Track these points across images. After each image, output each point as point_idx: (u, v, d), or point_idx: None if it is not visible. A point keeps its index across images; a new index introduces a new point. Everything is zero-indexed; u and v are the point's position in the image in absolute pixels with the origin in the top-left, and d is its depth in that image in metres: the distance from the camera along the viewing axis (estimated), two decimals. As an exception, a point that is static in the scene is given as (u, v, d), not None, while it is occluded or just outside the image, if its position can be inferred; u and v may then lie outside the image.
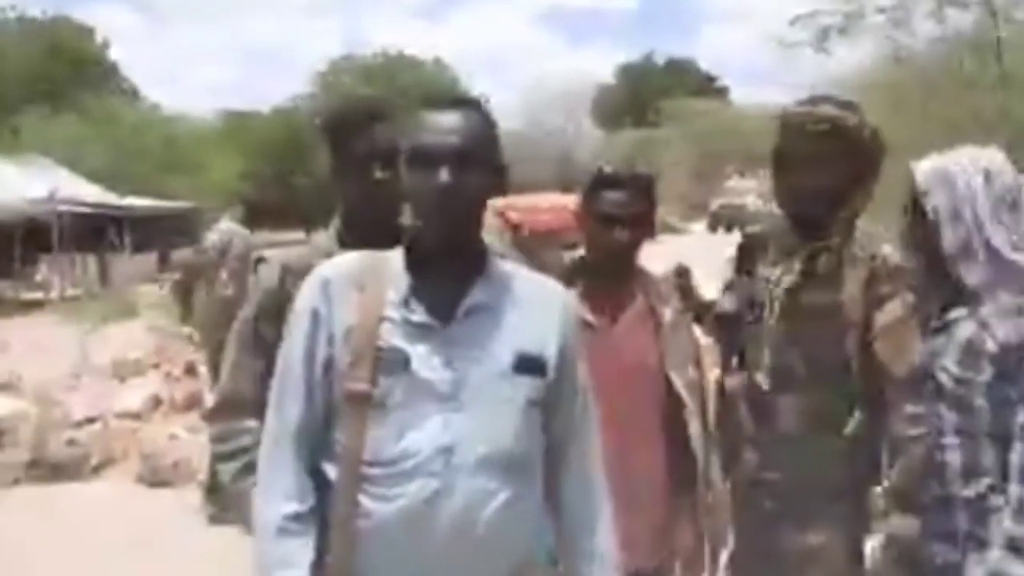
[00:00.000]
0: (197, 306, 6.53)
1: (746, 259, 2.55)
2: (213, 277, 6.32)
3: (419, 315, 1.60)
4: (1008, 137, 8.26)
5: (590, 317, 2.35)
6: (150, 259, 22.05)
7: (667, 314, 2.43)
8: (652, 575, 2.40)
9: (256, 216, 8.68)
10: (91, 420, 7.54)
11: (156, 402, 8.02)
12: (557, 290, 1.78)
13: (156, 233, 22.05)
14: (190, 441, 6.61)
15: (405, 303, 1.60)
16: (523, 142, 35.57)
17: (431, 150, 1.60)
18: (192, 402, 7.60)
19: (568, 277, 2.39)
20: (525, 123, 40.32)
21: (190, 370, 8.32)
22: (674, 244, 26.65)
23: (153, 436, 7.15)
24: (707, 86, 53.65)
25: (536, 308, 1.68)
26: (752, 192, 33.03)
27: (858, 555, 2.37)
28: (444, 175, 1.58)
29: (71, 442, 7.05)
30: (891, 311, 2.26)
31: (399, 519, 1.52)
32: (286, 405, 1.63)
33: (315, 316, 1.62)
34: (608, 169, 2.41)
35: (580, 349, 1.77)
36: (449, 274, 1.63)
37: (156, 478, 6.51)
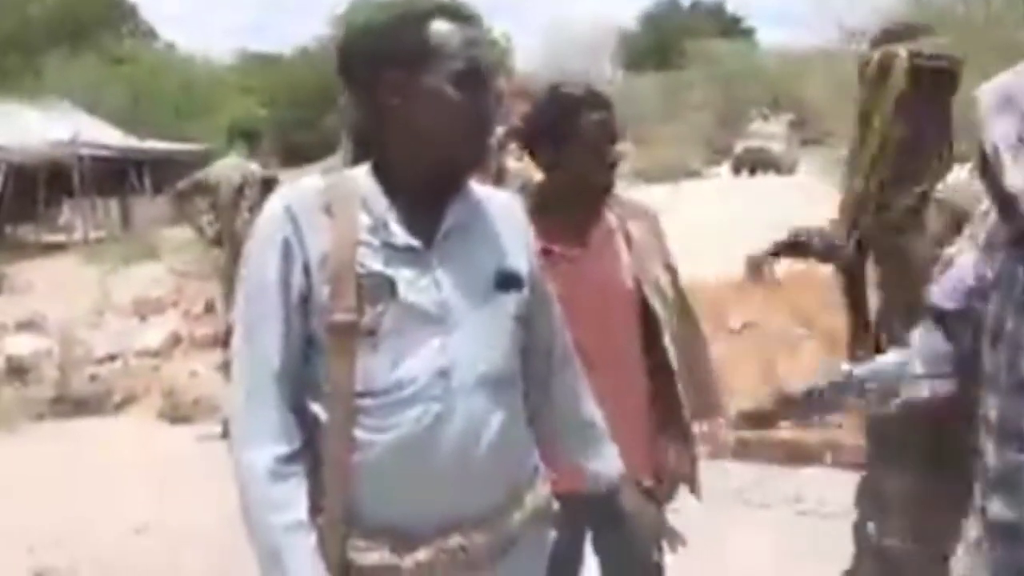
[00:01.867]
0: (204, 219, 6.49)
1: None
2: (218, 203, 6.29)
3: (400, 238, 1.54)
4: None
5: (557, 247, 2.29)
6: (171, 202, 22.09)
7: (635, 228, 2.40)
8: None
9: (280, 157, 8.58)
10: (112, 358, 7.65)
11: (176, 340, 8.11)
12: (518, 204, 1.76)
13: (176, 176, 22.02)
14: (210, 378, 6.68)
15: (384, 226, 1.54)
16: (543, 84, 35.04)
17: (484, 69, 1.55)
18: (212, 340, 7.68)
19: (534, 203, 2.32)
20: (545, 66, 39.87)
21: (210, 308, 8.39)
22: (696, 188, 26.54)
23: (174, 373, 7.25)
24: (732, 28, 52.78)
25: (505, 224, 1.66)
26: (776, 136, 32.59)
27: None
28: (492, 96, 1.56)
29: (93, 378, 7.17)
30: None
31: (399, 449, 1.49)
32: (262, 342, 1.52)
33: (285, 245, 1.51)
34: (595, 89, 2.37)
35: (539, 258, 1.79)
36: (426, 195, 1.58)
37: (177, 414, 6.61)
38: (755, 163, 31.15)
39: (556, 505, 1.75)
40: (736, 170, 31.77)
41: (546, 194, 2.37)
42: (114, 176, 20.44)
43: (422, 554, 1.51)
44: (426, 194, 1.57)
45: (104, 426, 6.61)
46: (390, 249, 1.53)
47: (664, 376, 2.37)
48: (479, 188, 1.68)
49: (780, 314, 7.27)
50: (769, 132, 33.01)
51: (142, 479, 5.24)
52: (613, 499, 1.81)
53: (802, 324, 7.02)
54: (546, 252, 2.22)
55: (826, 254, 2.63)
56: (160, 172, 20.59)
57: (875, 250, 2.42)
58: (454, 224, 1.58)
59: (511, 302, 1.60)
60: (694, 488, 2.47)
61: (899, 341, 2.16)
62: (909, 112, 2.26)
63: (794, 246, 2.66)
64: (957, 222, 2.09)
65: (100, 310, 9.53)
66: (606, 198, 2.40)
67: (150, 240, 15.20)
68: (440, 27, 1.54)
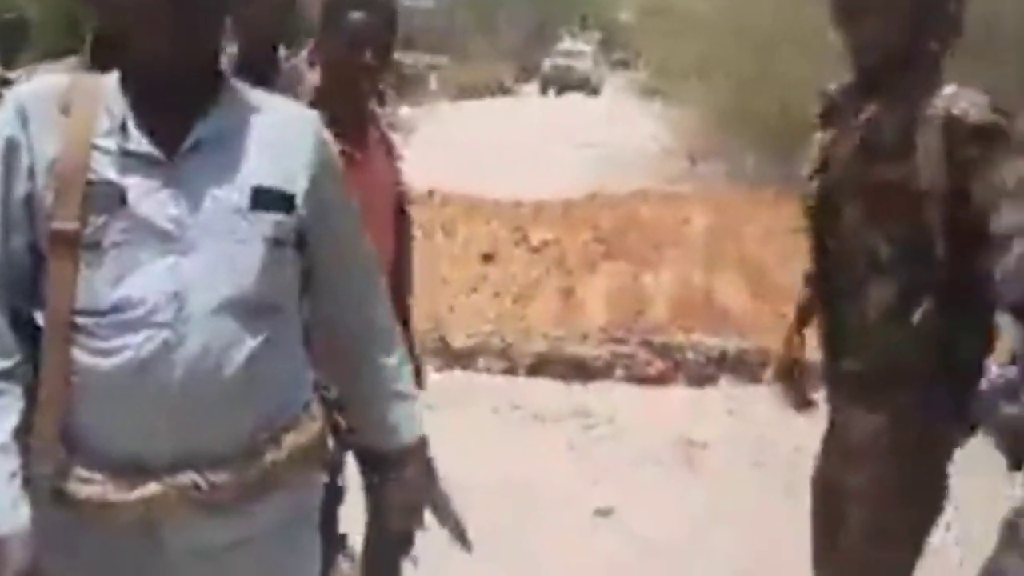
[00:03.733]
0: None
1: (823, 129, 2.25)
2: None
3: (138, 144, 1.39)
4: None
5: (343, 147, 2.37)
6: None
7: (399, 141, 2.54)
8: None
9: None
10: None
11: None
12: (310, 119, 1.60)
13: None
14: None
15: (122, 130, 1.39)
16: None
17: None
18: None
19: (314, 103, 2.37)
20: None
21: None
22: (506, 104, 26.53)
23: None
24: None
25: (282, 139, 1.50)
26: (584, 55, 33.03)
27: (927, 451, 2.14)
28: None
29: None
30: (990, 178, 1.93)
31: (121, 375, 1.36)
32: None
33: (11, 145, 1.38)
34: None
35: (341, 181, 1.62)
36: (176, 100, 1.42)
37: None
38: (562, 81, 31.50)
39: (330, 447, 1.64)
40: (544, 88, 32.06)
41: (320, 93, 2.37)
42: None
43: (148, 489, 1.40)
44: (164, 97, 1.42)
45: None
46: (128, 156, 1.39)
47: (404, 278, 2.55)
48: (261, 98, 1.53)
49: (579, 232, 7.39)
50: (577, 51, 33.41)
51: None
52: (397, 465, 1.67)
53: (600, 243, 7.16)
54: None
55: None
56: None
57: (847, 183, 2.15)
58: (208, 135, 1.43)
59: (269, 223, 1.45)
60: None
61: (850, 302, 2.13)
62: None
63: None
64: (956, 146, 1.97)
65: None
66: (369, 99, 2.46)
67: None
68: None
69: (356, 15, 2.33)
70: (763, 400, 5.02)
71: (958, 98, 2.00)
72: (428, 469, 1.68)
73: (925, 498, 2.18)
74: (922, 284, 2.05)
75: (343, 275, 1.61)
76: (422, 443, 1.67)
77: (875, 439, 2.14)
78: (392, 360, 1.66)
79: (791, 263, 6.77)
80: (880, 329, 2.12)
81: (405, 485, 1.66)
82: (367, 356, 1.64)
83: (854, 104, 2.14)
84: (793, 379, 2.44)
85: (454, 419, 4.55)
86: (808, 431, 4.32)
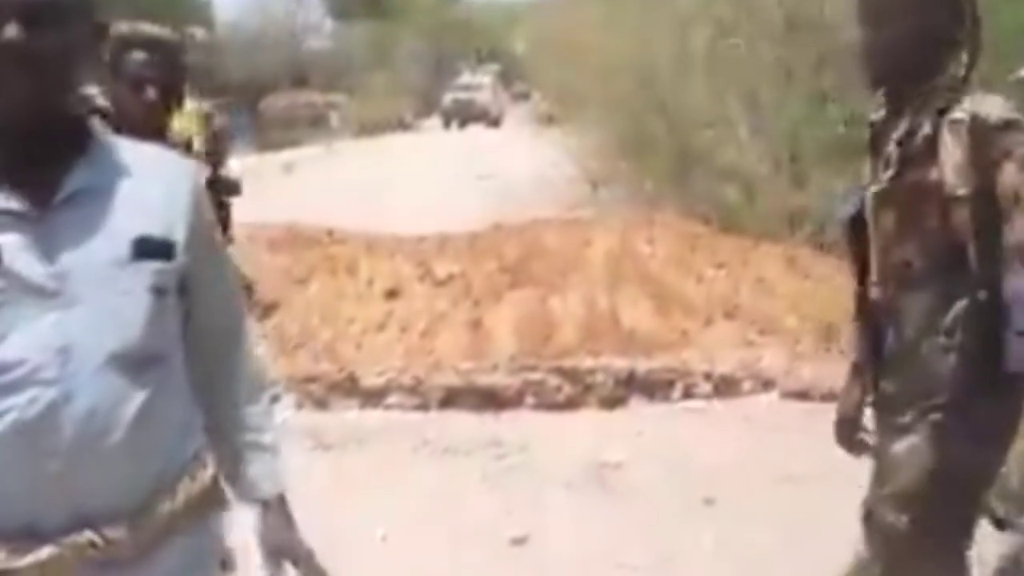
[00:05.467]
0: None
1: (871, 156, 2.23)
2: None
3: (8, 202, 1.36)
4: None
5: None
6: None
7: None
8: None
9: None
10: None
11: None
12: (183, 165, 1.59)
13: None
14: None
15: None
16: (257, 36, 33.98)
17: None
18: None
19: None
20: (255, 14, 38.21)
21: None
22: (408, 140, 26.57)
23: None
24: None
25: (159, 186, 1.48)
26: (483, 87, 33.35)
27: (959, 470, 2.06)
28: (12, 30, 1.31)
29: None
30: (1012, 172, 1.97)
31: (9, 438, 1.32)
32: None
33: None
34: (135, 30, 2.52)
35: (214, 227, 1.61)
36: (43, 155, 1.39)
37: None
38: (463, 115, 31.75)
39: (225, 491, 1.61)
40: (446, 122, 32.26)
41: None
42: None
43: (44, 552, 1.36)
44: (31, 153, 1.39)
45: None
46: None
47: None
48: (135, 147, 1.51)
49: (485, 263, 7.40)
50: (476, 84, 33.73)
51: None
52: (258, 517, 1.66)
53: (506, 272, 7.17)
54: None
55: None
56: None
57: (881, 197, 2.17)
58: (81, 187, 1.40)
59: (152, 272, 1.43)
60: None
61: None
62: None
63: None
64: (981, 146, 1.99)
65: None
66: (155, 137, 2.45)
67: None
68: None
69: (138, 55, 2.47)
70: (673, 418, 5.11)
71: (982, 102, 2.03)
72: (288, 524, 1.65)
73: (951, 535, 2.10)
74: (956, 294, 2.04)
75: (216, 320, 1.60)
76: (280, 499, 1.64)
77: (906, 461, 2.07)
78: (256, 408, 1.65)
79: (689, 280, 6.95)
80: (915, 345, 2.09)
81: (265, 539, 1.63)
82: (231, 403, 1.63)
83: (891, 126, 2.15)
84: (851, 427, 2.30)
85: (366, 458, 4.51)
86: (720, 447, 4.41)
